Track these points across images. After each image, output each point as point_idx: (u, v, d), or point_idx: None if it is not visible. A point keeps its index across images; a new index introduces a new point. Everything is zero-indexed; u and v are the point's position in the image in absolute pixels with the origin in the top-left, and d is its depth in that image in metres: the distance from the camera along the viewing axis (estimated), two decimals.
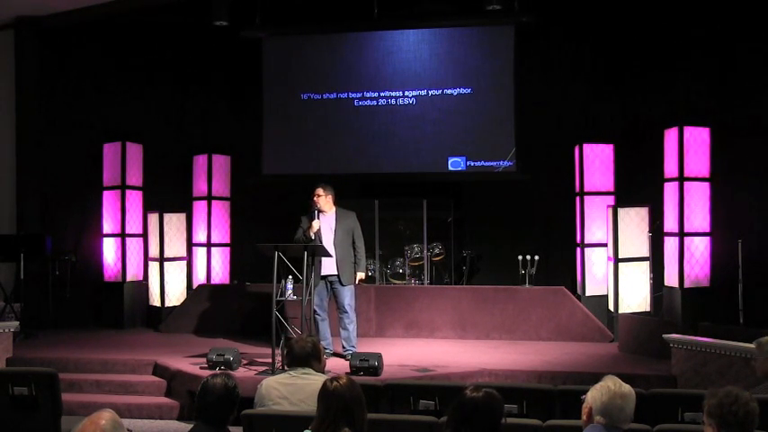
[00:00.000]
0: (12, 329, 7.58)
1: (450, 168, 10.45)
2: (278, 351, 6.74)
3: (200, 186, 10.75)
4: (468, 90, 10.43)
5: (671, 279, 8.61)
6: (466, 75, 10.44)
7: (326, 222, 7.52)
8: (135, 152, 10.24)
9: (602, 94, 10.18)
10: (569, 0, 10.20)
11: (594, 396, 3.19)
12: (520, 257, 9.25)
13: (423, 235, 10.13)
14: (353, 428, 3.25)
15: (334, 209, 7.60)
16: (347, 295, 7.50)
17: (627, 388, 3.20)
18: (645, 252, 8.69)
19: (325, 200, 7.53)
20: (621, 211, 8.62)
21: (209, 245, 10.69)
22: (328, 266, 7.43)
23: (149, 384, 7.23)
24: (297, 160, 10.87)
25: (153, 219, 10.01)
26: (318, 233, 7.43)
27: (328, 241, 7.40)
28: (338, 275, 7.45)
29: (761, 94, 9.14)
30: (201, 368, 6.98)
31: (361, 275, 7.66)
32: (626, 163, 9.51)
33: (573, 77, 10.36)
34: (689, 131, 8.52)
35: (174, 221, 10.01)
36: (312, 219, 7.42)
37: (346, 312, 7.50)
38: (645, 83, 9.96)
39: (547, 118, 10.28)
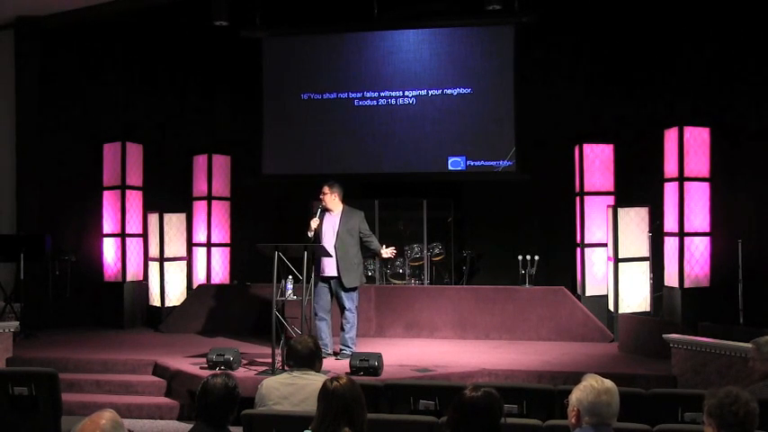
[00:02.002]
0: (12, 329, 7.58)
1: (450, 168, 10.44)
2: (278, 351, 6.74)
3: (200, 186, 10.74)
4: (468, 90, 10.43)
5: (671, 279, 8.60)
6: (466, 75, 10.44)
7: (330, 222, 7.47)
8: (135, 152, 10.24)
9: (602, 93, 10.16)
10: (569, 0, 10.20)
11: (579, 397, 3.17)
12: (520, 257, 9.25)
13: (423, 235, 10.14)
14: (353, 428, 3.25)
15: (341, 207, 7.53)
16: (348, 297, 7.48)
17: (609, 383, 3.19)
18: (645, 252, 8.69)
19: (330, 198, 7.46)
20: (621, 211, 8.62)
21: (209, 245, 10.68)
22: (329, 267, 7.39)
23: (149, 384, 7.23)
24: (297, 160, 10.87)
25: (153, 219, 10.01)
26: (319, 233, 7.41)
27: (329, 242, 7.35)
28: (339, 277, 7.42)
29: (761, 95, 9.13)
30: (201, 368, 6.98)
31: (385, 252, 7.59)
32: (626, 163, 9.50)
33: (573, 77, 10.35)
34: (689, 131, 8.51)
35: (174, 221, 10.01)
36: (315, 217, 7.39)
37: (346, 314, 7.48)
38: (645, 83, 9.94)
39: (547, 118, 10.26)
